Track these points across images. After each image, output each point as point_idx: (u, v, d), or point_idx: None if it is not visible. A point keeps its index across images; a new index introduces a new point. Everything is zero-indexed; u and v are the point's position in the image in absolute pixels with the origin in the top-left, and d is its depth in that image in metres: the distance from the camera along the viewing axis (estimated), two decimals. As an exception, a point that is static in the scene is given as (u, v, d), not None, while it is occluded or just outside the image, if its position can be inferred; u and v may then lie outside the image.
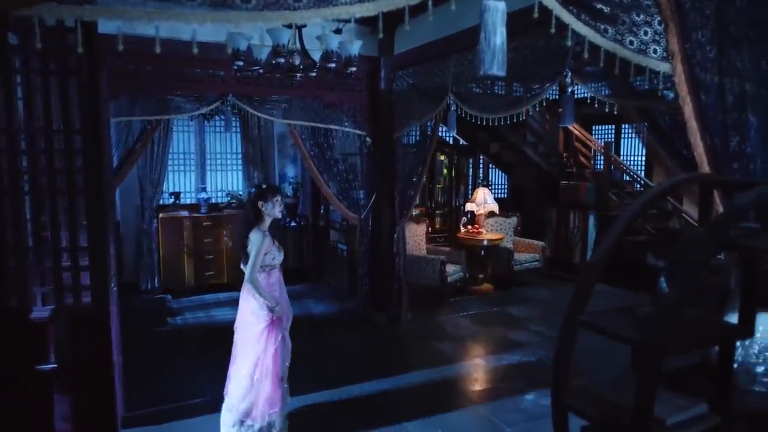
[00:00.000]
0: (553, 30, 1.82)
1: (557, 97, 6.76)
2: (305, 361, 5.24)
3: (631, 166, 9.39)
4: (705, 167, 2.07)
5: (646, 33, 2.12)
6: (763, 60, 2.29)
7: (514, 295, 7.73)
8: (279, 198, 3.60)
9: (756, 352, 1.50)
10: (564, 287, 8.18)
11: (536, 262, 8.28)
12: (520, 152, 9.30)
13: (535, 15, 1.62)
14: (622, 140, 10.15)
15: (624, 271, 7.93)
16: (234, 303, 7.12)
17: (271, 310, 3.51)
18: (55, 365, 2.79)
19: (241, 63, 3.48)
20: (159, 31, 1.66)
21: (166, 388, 4.66)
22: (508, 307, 7.18)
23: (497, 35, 1.52)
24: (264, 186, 3.68)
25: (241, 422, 3.55)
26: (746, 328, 1.40)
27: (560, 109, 8.97)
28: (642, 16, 2.12)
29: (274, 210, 3.57)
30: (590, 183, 8.61)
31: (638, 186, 9.24)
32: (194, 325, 6.42)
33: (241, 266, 3.59)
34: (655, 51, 2.13)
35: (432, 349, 5.68)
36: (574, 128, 9.42)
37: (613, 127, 10.21)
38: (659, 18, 2.05)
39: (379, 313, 6.51)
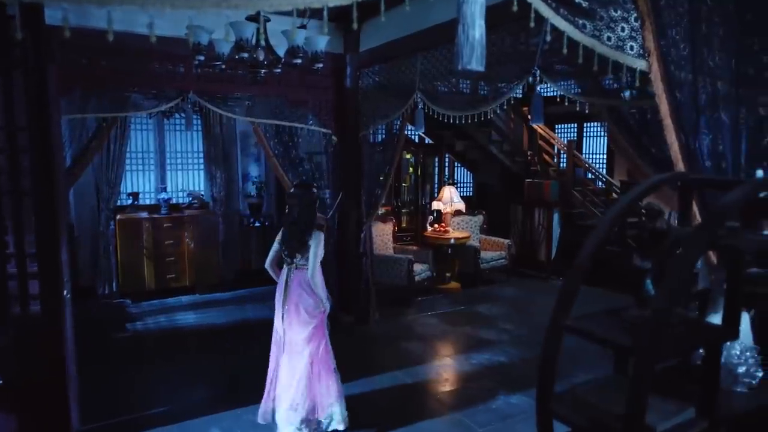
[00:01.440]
0: (532, 24, 1.77)
1: (521, 95, 6.79)
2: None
3: (594, 164, 9.55)
4: (680, 165, 2.06)
5: (623, 29, 2.10)
6: (733, 59, 2.30)
7: (481, 294, 7.75)
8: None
9: (737, 353, 1.49)
10: (530, 284, 8.28)
11: (502, 260, 8.33)
12: (486, 150, 9.34)
13: (515, 8, 1.57)
14: (584, 139, 10.33)
15: (600, 270, 8.09)
16: (197, 306, 7.07)
17: (323, 304, 3.66)
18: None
19: (202, 58, 3.33)
20: (112, 21, 1.52)
21: (125, 398, 4.45)
22: (475, 305, 7.19)
23: (476, 28, 1.45)
24: (315, 186, 3.91)
25: (308, 420, 3.64)
26: (732, 330, 1.38)
27: (524, 108, 9.13)
28: (619, 12, 2.09)
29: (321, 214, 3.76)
30: (554, 181, 8.72)
31: (600, 183, 9.41)
32: (155, 331, 6.19)
33: (270, 265, 3.80)
34: (631, 47, 2.11)
35: (401, 350, 5.63)
36: (538, 127, 9.53)
37: (576, 125, 10.38)
38: (635, 14, 2.03)
39: (346, 314, 6.41)
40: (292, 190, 3.91)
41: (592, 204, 8.69)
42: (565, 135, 10.49)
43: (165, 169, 7.99)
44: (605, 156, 9.94)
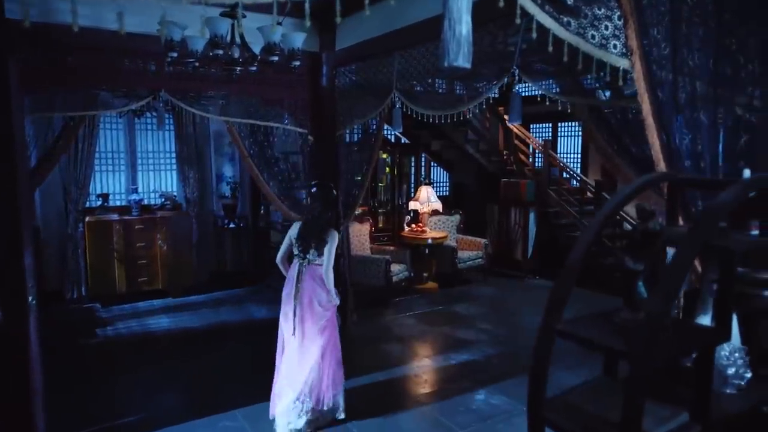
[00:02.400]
0: (518, 20, 1.74)
1: (496, 95, 6.79)
2: (246, 371, 5.01)
3: (569, 164, 9.65)
4: (661, 165, 2.05)
5: (606, 27, 2.09)
6: (711, 59, 2.31)
7: (458, 293, 7.76)
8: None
9: (727, 354, 1.48)
10: (507, 283, 8.31)
11: (479, 260, 8.34)
12: (462, 150, 9.36)
13: (501, 4, 1.53)
14: (558, 138, 10.42)
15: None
16: (170, 310, 6.90)
17: (334, 299, 3.81)
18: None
19: (175, 54, 3.21)
20: (77, 14, 1.42)
21: (95, 407, 4.30)
22: (453, 305, 7.18)
23: (462, 24, 1.41)
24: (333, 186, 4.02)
25: (313, 410, 3.80)
26: (724, 332, 1.36)
27: (500, 108, 9.16)
28: (603, 10, 2.08)
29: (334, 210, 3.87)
30: (530, 180, 8.77)
31: (575, 183, 9.50)
32: (127, 336, 6.02)
33: (298, 256, 3.85)
34: (615, 46, 2.10)
35: (379, 351, 5.58)
36: (514, 126, 9.58)
37: (550, 125, 10.47)
38: (619, 13, 2.02)
39: (324, 315, 6.33)
40: (314, 189, 4.02)
41: (568, 203, 8.77)
42: (540, 135, 10.58)
43: (136, 169, 7.79)
44: (580, 155, 10.05)
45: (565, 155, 10.19)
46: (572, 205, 8.76)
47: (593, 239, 1.41)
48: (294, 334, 3.84)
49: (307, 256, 3.79)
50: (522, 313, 6.98)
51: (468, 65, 1.45)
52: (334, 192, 3.98)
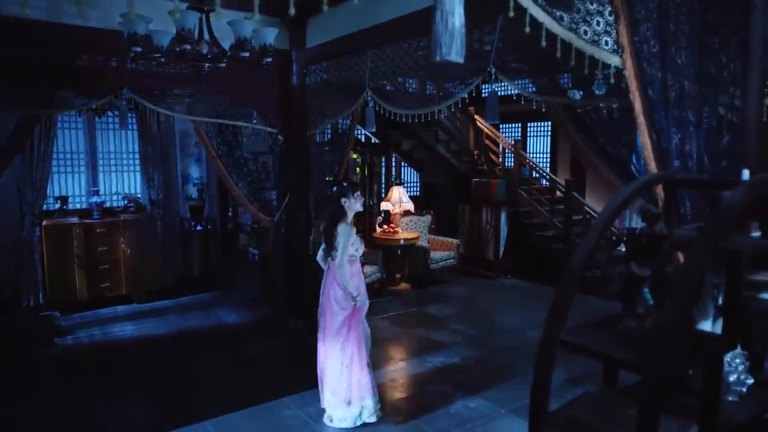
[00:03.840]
0: (511, 13, 1.67)
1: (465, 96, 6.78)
2: (216, 379, 4.84)
3: (538, 163, 9.72)
4: (652, 165, 2.02)
5: (598, 23, 2.04)
6: (696, 58, 2.29)
7: (431, 294, 7.71)
8: (359, 193, 3.95)
9: (728, 360, 1.43)
10: (479, 283, 8.31)
11: (451, 260, 8.32)
12: (432, 150, 9.32)
13: (494, -4, 1.45)
14: (528, 138, 10.49)
15: (550, 269, 8.21)
16: (135, 316, 6.65)
17: (353, 299, 3.80)
18: None
19: (139, 49, 3.05)
20: (27, 4, 1.28)
21: (52, 422, 4.07)
22: (426, 306, 7.13)
23: (455, 16, 1.33)
24: (345, 183, 4.10)
25: (344, 407, 3.89)
26: (732, 339, 1.31)
27: (470, 108, 9.16)
28: (595, 5, 2.03)
29: (355, 204, 3.90)
30: (501, 180, 8.79)
31: (545, 182, 9.57)
32: (88, 345, 5.75)
33: (320, 258, 4.02)
34: (606, 42, 2.06)
35: (354, 356, 5.46)
36: (484, 126, 9.60)
37: (520, 125, 10.53)
38: (610, 8, 1.98)
39: (296, 319, 6.19)
40: (334, 189, 4.19)
41: (538, 203, 8.82)
42: (510, 134, 10.64)
43: (97, 170, 7.48)
44: (549, 155, 10.14)
45: (534, 155, 10.27)
46: (543, 205, 8.82)
47: (595, 244, 1.34)
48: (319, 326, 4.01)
49: (333, 253, 3.89)
50: (495, 314, 6.97)
51: (461, 60, 1.37)
52: (337, 187, 4.09)
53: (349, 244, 3.80)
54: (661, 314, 1.22)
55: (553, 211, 8.69)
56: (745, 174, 1.77)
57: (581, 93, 4.46)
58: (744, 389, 1.45)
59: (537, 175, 9.58)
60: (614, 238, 8.40)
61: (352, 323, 3.88)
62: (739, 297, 1.30)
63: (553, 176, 9.39)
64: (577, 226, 8.40)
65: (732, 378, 1.42)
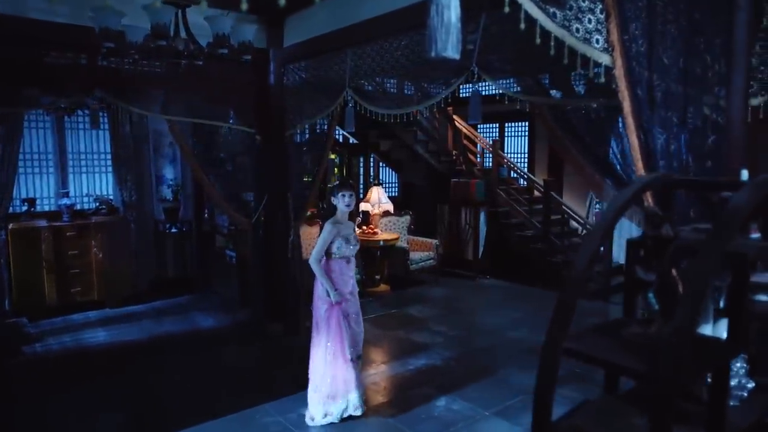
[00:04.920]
0: (506, 9, 1.63)
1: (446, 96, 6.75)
2: (193, 386, 4.71)
3: (516, 164, 9.77)
4: (639, 165, 1.99)
5: (590, 21, 2.01)
6: (681, 58, 2.28)
7: (411, 295, 7.67)
8: (345, 192, 3.94)
9: (727, 364, 1.41)
10: (458, 284, 8.30)
11: (431, 260, 8.29)
12: (411, 150, 9.29)
13: (490, -10, 1.40)
14: (506, 138, 10.54)
15: (528, 269, 8.25)
16: (108, 322, 6.47)
17: (328, 294, 3.86)
18: None
19: (111, 45, 2.92)
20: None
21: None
22: (406, 307, 7.09)
23: (452, 9, 1.27)
24: (338, 183, 4.20)
25: (326, 403, 3.92)
26: (739, 345, 1.28)
27: (449, 108, 9.15)
28: (587, 2, 2.00)
29: (340, 203, 3.94)
30: (480, 180, 8.79)
31: (523, 182, 9.62)
32: (58, 352, 5.54)
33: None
34: (597, 41, 2.03)
35: (335, 359, 5.38)
36: (463, 126, 9.60)
37: (497, 125, 10.57)
38: (601, 6, 1.95)
39: (274, 323, 6.08)
40: None
41: (517, 203, 8.86)
42: (488, 135, 10.67)
43: (67, 171, 7.23)
44: (527, 155, 10.20)
45: (512, 155, 10.32)
46: (521, 205, 8.86)
47: (597, 250, 1.29)
48: None
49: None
50: (476, 314, 6.96)
51: (457, 56, 1.31)
52: (336, 183, 4.20)
53: (326, 241, 3.87)
54: (668, 320, 1.18)
55: (531, 210, 8.74)
56: (744, 174, 1.76)
57: (560, 93, 4.47)
58: (745, 393, 1.43)
59: (515, 175, 9.63)
60: (592, 237, 8.47)
61: (333, 318, 3.91)
62: (744, 301, 1.27)
63: (531, 176, 9.44)
64: (556, 225, 8.46)
65: (733, 382, 1.40)
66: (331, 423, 3.94)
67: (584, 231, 8.68)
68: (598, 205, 8.65)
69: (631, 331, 1.27)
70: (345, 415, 3.96)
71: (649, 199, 1.87)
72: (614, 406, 1.21)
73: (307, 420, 3.99)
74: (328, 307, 3.92)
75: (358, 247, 4.08)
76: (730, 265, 1.24)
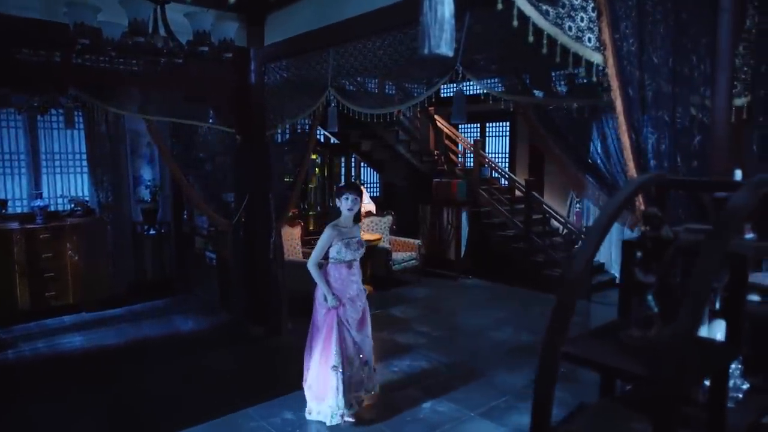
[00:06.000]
0: (500, 6, 1.60)
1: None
2: (173, 391, 4.60)
3: (498, 163, 9.81)
4: (630, 165, 1.99)
5: (582, 19, 2.00)
6: (671, 57, 2.28)
7: (394, 296, 7.63)
8: (349, 195, 3.86)
9: (722, 365, 1.40)
10: (441, 284, 8.29)
11: (413, 261, 8.27)
12: (392, 150, 9.25)
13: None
14: (487, 138, 10.57)
15: (510, 269, 8.27)
16: (84, 326, 6.32)
17: (325, 299, 3.84)
18: None
19: (86, 42, 2.82)
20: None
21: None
22: (390, 308, 7.05)
23: (445, 5, 1.23)
24: (342, 185, 4.20)
25: (317, 401, 3.96)
26: (737, 348, 1.27)
27: (430, 108, 9.14)
28: (579, 0, 1.98)
29: (343, 206, 3.90)
30: (462, 180, 8.80)
31: (504, 182, 9.66)
32: (31, 358, 5.38)
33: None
34: (589, 39, 2.02)
35: (318, 361, 5.31)
36: (444, 126, 9.61)
37: (479, 125, 10.60)
38: (593, 4, 1.93)
39: (256, 325, 6.00)
40: None
41: (498, 202, 8.89)
42: (469, 135, 10.69)
43: (40, 172, 7.04)
44: (508, 155, 10.24)
45: (493, 155, 10.35)
46: (503, 204, 8.89)
47: (594, 251, 1.27)
48: None
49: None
50: (459, 314, 6.96)
51: (451, 53, 1.28)
52: (340, 186, 4.22)
53: (324, 246, 3.85)
54: (667, 323, 1.16)
55: (512, 210, 8.77)
56: (738, 174, 1.76)
57: (542, 93, 4.48)
58: (740, 395, 1.42)
59: (497, 175, 9.66)
60: (573, 236, 8.55)
61: (327, 321, 3.90)
62: (743, 303, 1.26)
63: (513, 176, 9.49)
64: (537, 225, 8.51)
65: (729, 384, 1.39)
66: (321, 422, 3.96)
67: (565, 230, 8.75)
68: (578, 205, 8.73)
69: (630, 334, 1.25)
70: (334, 418, 3.91)
71: (639, 200, 1.86)
72: (612, 411, 1.19)
73: (306, 413, 4.06)
74: (325, 312, 3.91)
75: (362, 252, 3.98)
76: (729, 266, 1.23)
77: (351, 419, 3.97)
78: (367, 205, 8.11)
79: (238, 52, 5.37)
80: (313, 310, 4.02)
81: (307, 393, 4.06)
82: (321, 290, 3.89)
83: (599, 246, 1.27)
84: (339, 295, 3.87)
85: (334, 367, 3.87)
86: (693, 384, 1.19)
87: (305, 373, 4.07)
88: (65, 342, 5.80)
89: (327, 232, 3.86)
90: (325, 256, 3.99)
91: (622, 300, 1.43)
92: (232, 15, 5.00)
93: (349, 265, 3.93)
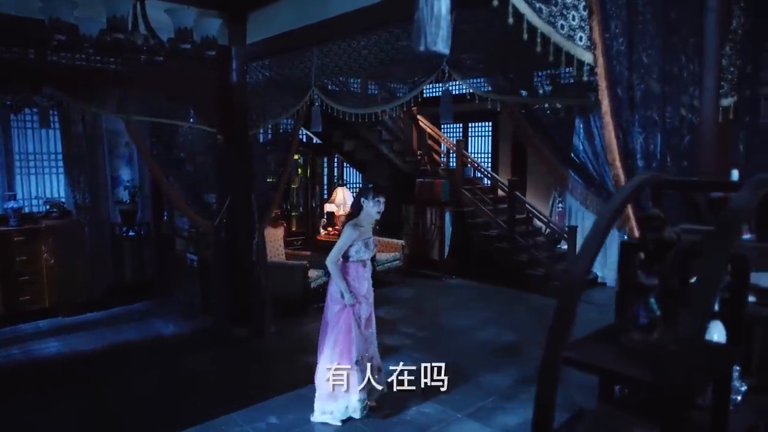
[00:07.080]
0: (495, 3, 1.57)
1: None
2: (154, 397, 4.50)
3: (480, 163, 9.83)
4: (617, 164, 1.97)
5: (573, 18, 1.98)
6: (660, 57, 2.27)
7: (378, 296, 7.43)
8: (380, 198, 3.93)
9: (720, 368, 1.38)
10: (425, 284, 8.28)
11: (397, 261, 8.24)
12: (375, 150, 9.22)
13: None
14: (470, 138, 10.58)
15: (493, 268, 8.29)
16: (61, 331, 6.16)
17: (342, 296, 3.87)
18: None
19: (62, 38, 2.73)
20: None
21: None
22: (374, 309, 6.99)
23: (441, 1, 1.19)
24: (371, 185, 4.12)
25: (326, 401, 3.95)
26: (737, 350, 1.25)
27: (413, 108, 9.12)
28: (571, -1, 1.97)
29: (372, 209, 3.93)
30: (445, 180, 8.80)
31: (487, 181, 9.69)
32: (5, 365, 5.21)
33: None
34: (580, 38, 2.00)
35: (301, 364, 5.23)
36: (427, 126, 9.60)
37: (461, 125, 10.61)
38: (584, 2, 1.92)
39: (239, 328, 5.92)
40: None
41: (482, 202, 8.90)
42: (452, 134, 10.70)
43: (13, 173, 6.84)
44: (490, 155, 10.27)
45: (476, 155, 10.37)
46: (486, 204, 8.90)
47: (595, 255, 1.24)
48: None
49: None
50: (443, 314, 6.94)
51: (447, 50, 1.24)
52: (370, 186, 4.14)
53: (345, 245, 3.89)
54: (670, 326, 1.14)
55: (496, 210, 8.80)
56: (734, 174, 1.75)
57: (526, 93, 4.49)
58: (738, 397, 1.41)
59: (480, 175, 9.68)
60: (556, 236, 8.61)
61: (344, 318, 3.92)
62: (744, 304, 1.25)
63: (496, 176, 9.51)
64: (520, 224, 8.54)
65: (727, 386, 1.38)
66: (326, 423, 3.94)
67: (547, 230, 8.80)
68: (560, 204, 8.79)
69: (632, 337, 1.23)
70: (344, 417, 3.94)
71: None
72: (613, 416, 1.17)
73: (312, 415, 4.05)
74: (339, 309, 3.93)
75: (374, 251, 4.09)
76: (731, 267, 1.22)
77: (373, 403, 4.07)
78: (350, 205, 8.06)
79: (220, 50, 5.31)
80: (324, 306, 4.05)
81: (316, 395, 4.03)
82: (335, 287, 3.93)
83: (600, 249, 1.25)
84: (355, 292, 3.95)
85: (357, 363, 3.92)
86: (701, 389, 1.18)
87: (315, 375, 4.08)
88: (41, 347, 5.64)
89: (348, 232, 3.89)
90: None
91: (620, 302, 1.41)
92: (214, 12, 4.91)
93: (364, 263, 4.03)
